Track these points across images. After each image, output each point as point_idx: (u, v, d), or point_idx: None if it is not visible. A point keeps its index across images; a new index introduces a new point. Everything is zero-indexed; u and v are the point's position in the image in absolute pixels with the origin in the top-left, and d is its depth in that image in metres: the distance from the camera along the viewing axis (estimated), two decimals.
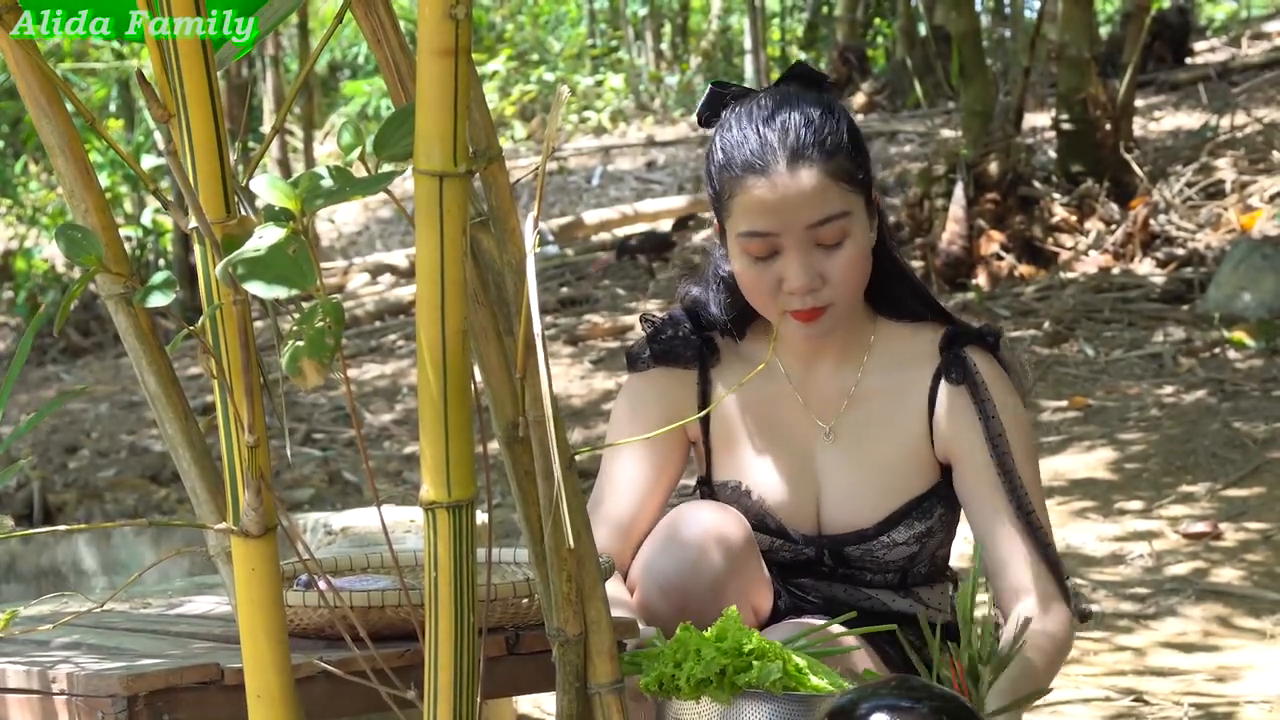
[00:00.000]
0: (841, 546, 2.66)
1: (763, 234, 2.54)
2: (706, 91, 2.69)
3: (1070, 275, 8.72)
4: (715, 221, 2.66)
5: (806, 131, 2.54)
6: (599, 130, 16.16)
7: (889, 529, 2.64)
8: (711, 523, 2.56)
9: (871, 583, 2.68)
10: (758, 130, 2.56)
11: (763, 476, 2.68)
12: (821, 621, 2.57)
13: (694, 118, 2.75)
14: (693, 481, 2.82)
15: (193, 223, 1.64)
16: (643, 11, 19.05)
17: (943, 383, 2.64)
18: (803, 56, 18.22)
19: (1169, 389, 7.01)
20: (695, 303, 2.74)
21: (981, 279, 8.86)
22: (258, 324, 1.69)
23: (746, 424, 2.69)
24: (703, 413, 2.69)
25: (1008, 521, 2.59)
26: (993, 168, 9.03)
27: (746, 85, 2.71)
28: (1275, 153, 9.86)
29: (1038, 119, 10.96)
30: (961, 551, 5.36)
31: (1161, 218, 9.15)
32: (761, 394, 2.67)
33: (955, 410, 2.62)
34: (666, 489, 2.76)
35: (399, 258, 11.96)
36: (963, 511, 2.67)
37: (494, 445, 1.86)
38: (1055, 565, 2.60)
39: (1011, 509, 2.59)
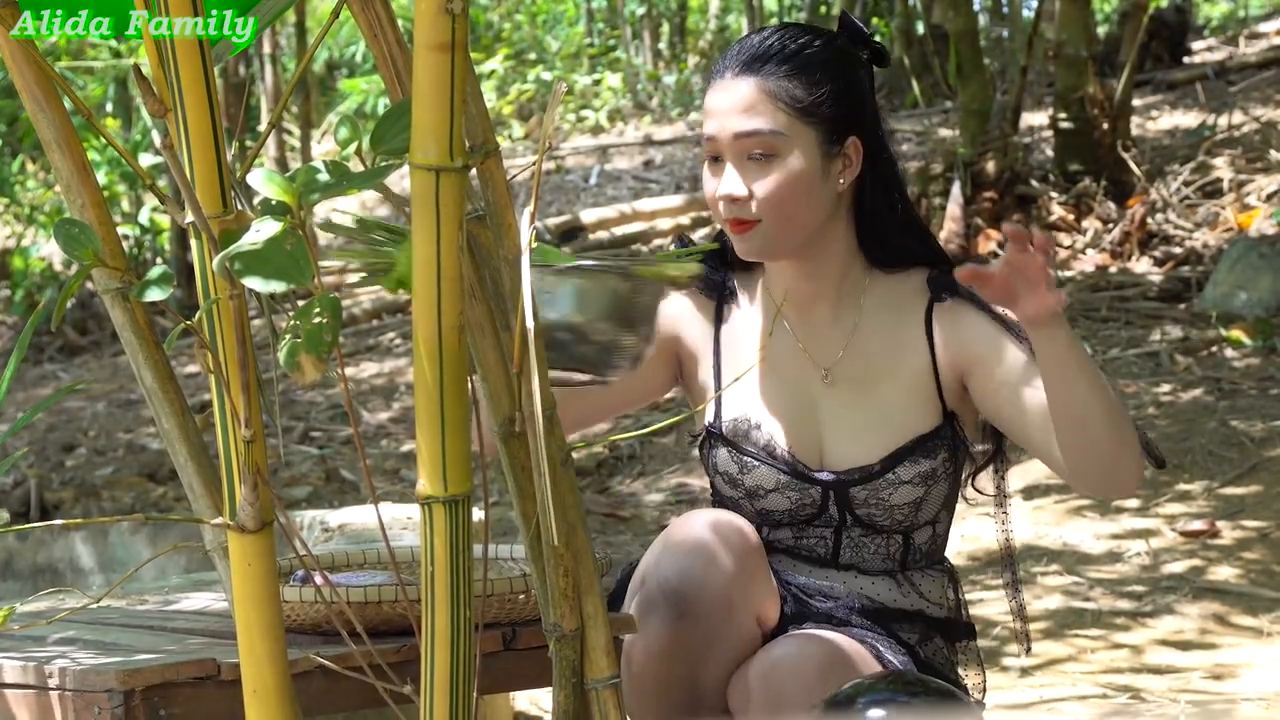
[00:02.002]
0: (847, 487, 2.66)
1: (708, 137, 2.64)
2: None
3: (1068, 274, 8.72)
4: None
5: (766, 49, 2.63)
6: (596, 129, 16.16)
7: (894, 466, 2.65)
8: (720, 530, 2.56)
9: (873, 559, 2.68)
10: (733, 46, 2.67)
11: (769, 413, 2.71)
12: (829, 634, 2.57)
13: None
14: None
15: (189, 217, 1.64)
16: (640, 11, 19.05)
17: (935, 307, 2.67)
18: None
19: (1166, 387, 7.01)
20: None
21: None
22: (254, 321, 1.70)
23: (750, 364, 2.72)
24: (710, 398, 2.71)
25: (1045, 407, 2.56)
26: (990, 166, 9.04)
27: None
28: (1273, 152, 9.87)
29: (1035, 118, 10.97)
30: (958, 549, 5.36)
31: (1159, 216, 9.15)
32: (760, 339, 2.72)
33: (957, 323, 2.65)
34: (634, 390, 2.80)
35: None
36: (997, 416, 2.64)
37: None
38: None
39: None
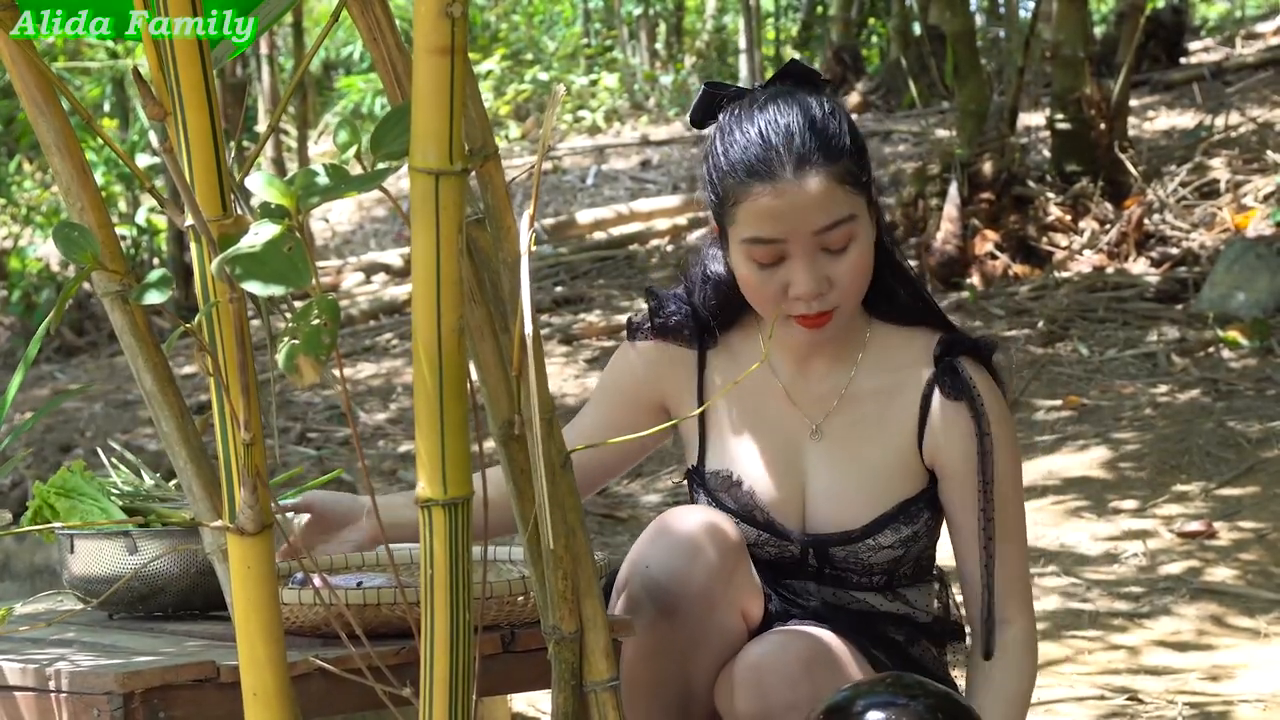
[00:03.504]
0: (826, 546, 2.64)
1: (769, 240, 2.51)
2: (699, 92, 2.64)
3: (1064, 275, 8.73)
4: (714, 225, 2.63)
5: (811, 135, 2.50)
6: (593, 130, 16.16)
7: (875, 532, 2.62)
8: (702, 527, 2.54)
9: (858, 585, 2.68)
10: (762, 134, 2.52)
11: (752, 469, 2.66)
12: (814, 629, 2.57)
13: (689, 117, 2.72)
14: (671, 479, 2.83)
15: (189, 220, 1.64)
16: (637, 11, 19.04)
17: (936, 392, 2.62)
18: (797, 56, 18.22)
19: (1163, 388, 7.01)
20: (686, 294, 2.73)
21: (976, 278, 8.87)
22: (251, 322, 1.70)
23: (736, 416, 2.68)
24: (697, 411, 2.70)
25: (973, 550, 2.63)
26: (987, 167, 9.04)
27: (741, 85, 2.67)
28: (1269, 152, 9.87)
29: (1032, 118, 10.97)
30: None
31: (1156, 217, 9.16)
32: (751, 388, 2.66)
33: (949, 424, 2.61)
34: (633, 449, 2.79)
35: (393, 257, 11.95)
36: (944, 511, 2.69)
37: (490, 443, 1.86)
38: (990, 606, 2.63)
39: (981, 539, 2.62)
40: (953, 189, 8.97)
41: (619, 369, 2.77)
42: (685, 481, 2.78)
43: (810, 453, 2.66)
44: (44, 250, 12.29)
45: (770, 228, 2.51)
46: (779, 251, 2.52)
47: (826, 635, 2.56)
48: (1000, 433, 2.61)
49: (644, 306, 2.78)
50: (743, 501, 2.65)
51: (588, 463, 2.71)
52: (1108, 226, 9.07)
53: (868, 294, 2.63)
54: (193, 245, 1.68)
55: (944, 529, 2.73)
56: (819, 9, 17.84)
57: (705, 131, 2.65)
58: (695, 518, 2.56)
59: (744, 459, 2.67)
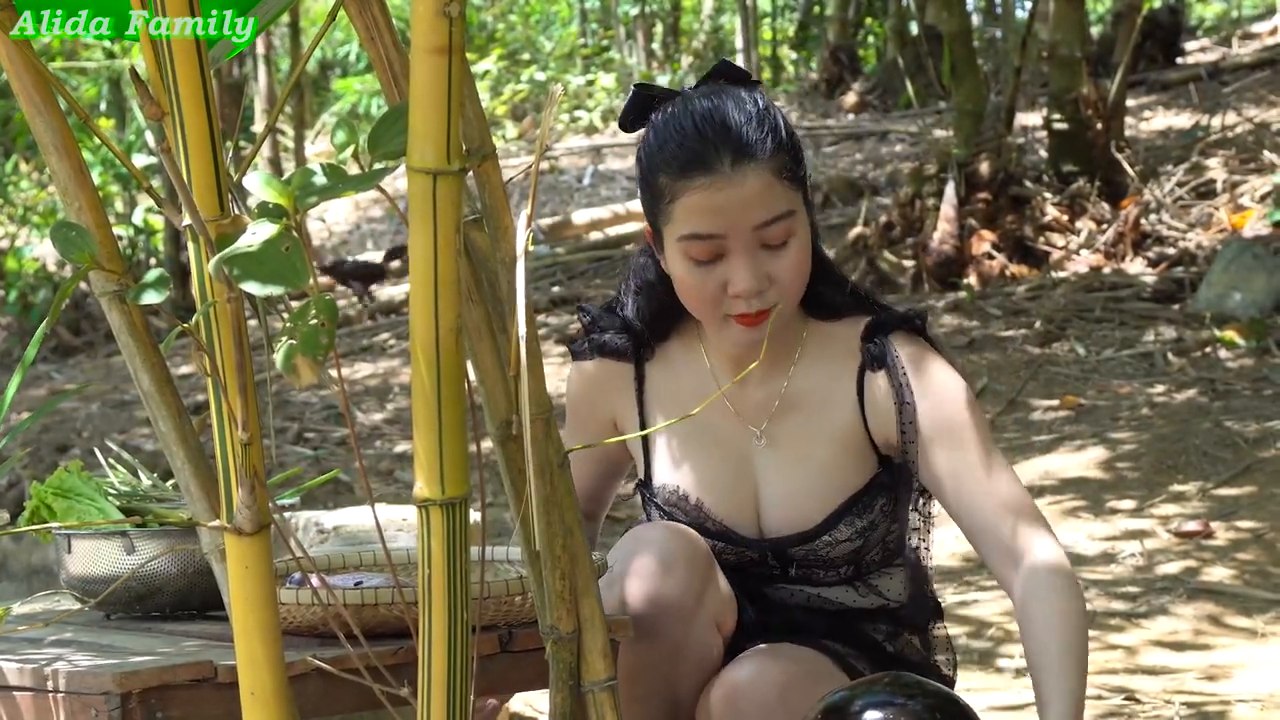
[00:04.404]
0: (784, 548, 2.62)
1: (707, 236, 2.46)
2: (630, 94, 2.59)
3: (1061, 275, 8.73)
4: (648, 226, 2.58)
5: (748, 129, 2.45)
6: (590, 130, 16.17)
7: (830, 528, 2.60)
8: (669, 545, 2.51)
9: (825, 580, 2.67)
10: (698, 128, 2.46)
11: (700, 482, 2.64)
12: (793, 648, 2.55)
13: (618, 122, 2.66)
14: (634, 487, 2.81)
15: (187, 220, 1.64)
16: (634, 11, 19.05)
17: (868, 373, 2.59)
18: (794, 56, 18.25)
19: (1160, 388, 7.02)
20: (618, 304, 2.71)
21: (973, 278, 8.88)
22: (249, 323, 1.70)
23: (680, 429, 2.65)
24: (639, 434, 2.68)
25: (961, 502, 2.57)
26: (984, 167, 9.05)
27: (671, 87, 2.63)
28: (1266, 152, 9.88)
29: (1029, 118, 10.98)
30: (951, 550, 5.36)
31: (1153, 217, 9.16)
32: (691, 398, 2.62)
33: (880, 399, 2.58)
34: (611, 469, 2.79)
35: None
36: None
37: (488, 443, 1.86)
38: (913, 570, 2.66)
39: (913, 512, 2.63)
40: (950, 189, 8.98)
41: (571, 394, 2.74)
42: (635, 492, 2.76)
43: (757, 458, 2.63)
44: (40, 250, 12.29)
45: (709, 223, 2.45)
46: (717, 248, 2.46)
47: (803, 653, 2.53)
48: (944, 380, 2.56)
49: (584, 301, 2.76)
50: (693, 515, 2.63)
51: (586, 486, 2.73)
52: (1105, 226, 9.08)
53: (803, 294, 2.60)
54: (190, 245, 1.68)
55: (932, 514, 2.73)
56: (816, 9, 17.85)
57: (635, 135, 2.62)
58: (659, 535, 2.53)
59: (690, 472, 2.64)
